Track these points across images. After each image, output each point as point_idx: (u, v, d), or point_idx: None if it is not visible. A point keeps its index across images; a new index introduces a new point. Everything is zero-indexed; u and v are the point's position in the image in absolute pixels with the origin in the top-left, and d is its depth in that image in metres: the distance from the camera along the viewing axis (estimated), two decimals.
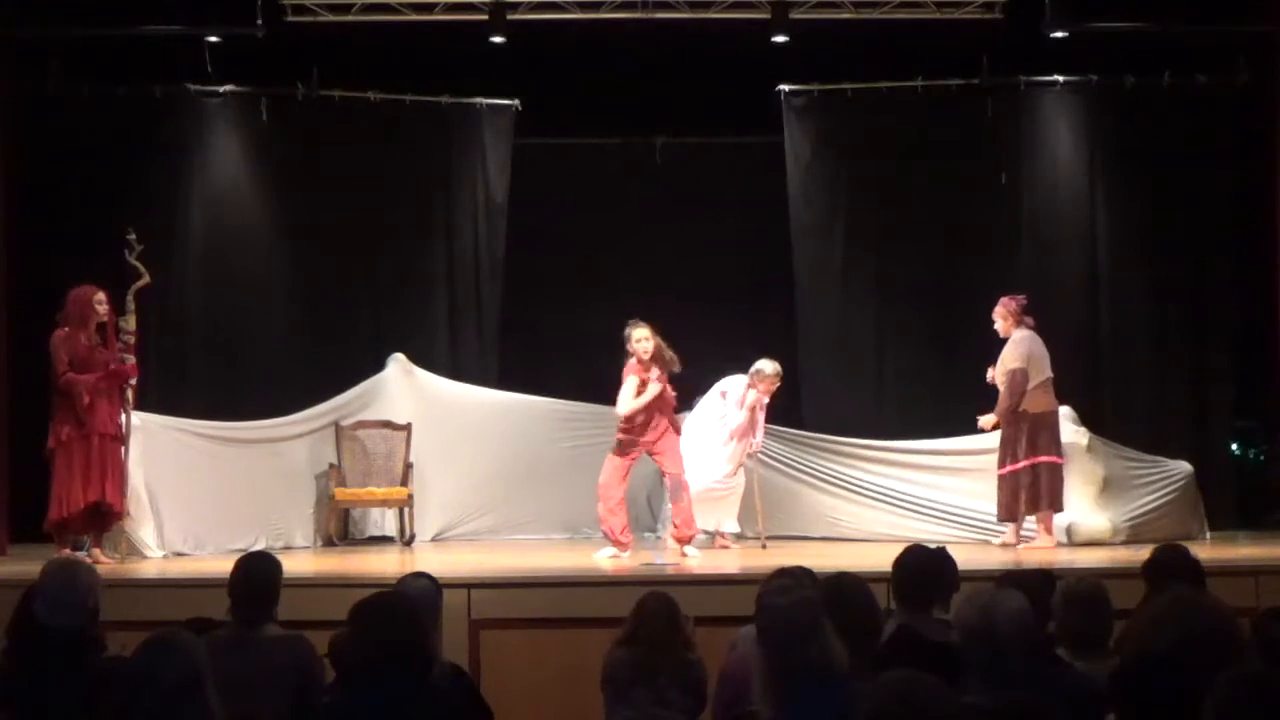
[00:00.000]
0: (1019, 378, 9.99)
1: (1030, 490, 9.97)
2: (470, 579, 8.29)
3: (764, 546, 10.19)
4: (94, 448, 9.22)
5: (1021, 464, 9.98)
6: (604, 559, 9.58)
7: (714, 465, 10.35)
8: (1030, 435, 10.00)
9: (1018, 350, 10.06)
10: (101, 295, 9.35)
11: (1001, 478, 10.08)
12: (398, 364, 11.31)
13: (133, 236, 9.37)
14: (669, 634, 5.65)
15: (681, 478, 9.72)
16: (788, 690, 4.14)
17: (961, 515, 10.57)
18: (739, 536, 10.55)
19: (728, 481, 10.41)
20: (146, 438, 9.75)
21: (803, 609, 4.25)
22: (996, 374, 10.10)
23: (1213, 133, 11.70)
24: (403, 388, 11.27)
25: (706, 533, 10.32)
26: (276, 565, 5.48)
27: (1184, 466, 10.71)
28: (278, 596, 5.36)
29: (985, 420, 10.04)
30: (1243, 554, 9.97)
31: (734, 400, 10.40)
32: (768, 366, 10.32)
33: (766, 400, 10.41)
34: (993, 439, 10.49)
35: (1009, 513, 10.06)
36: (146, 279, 9.42)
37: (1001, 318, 10.20)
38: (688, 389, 10.47)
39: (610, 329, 10.51)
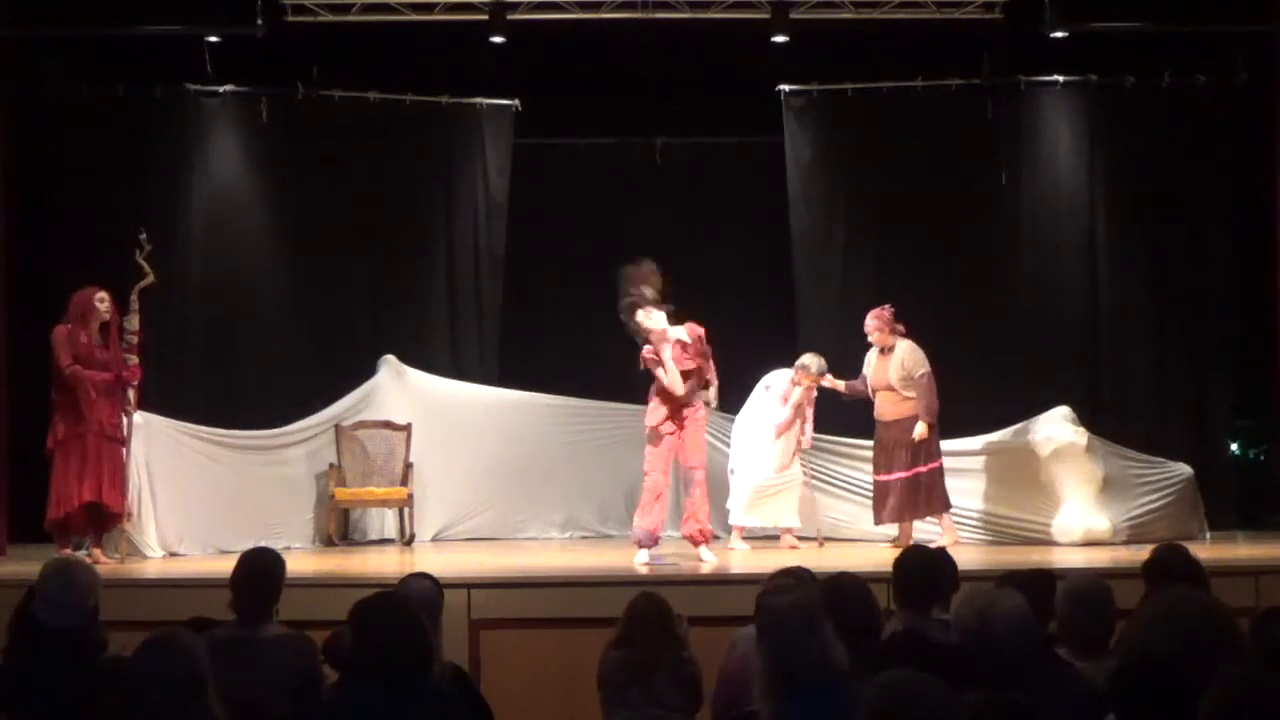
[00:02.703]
0: (931, 380, 10.10)
1: (926, 493, 10.09)
2: (470, 579, 8.29)
3: (820, 545, 10.25)
4: (90, 447, 9.22)
5: (914, 470, 10.08)
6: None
7: (763, 461, 10.38)
8: (914, 442, 10.08)
9: (916, 355, 10.17)
10: (103, 295, 9.35)
11: (889, 483, 10.14)
12: (389, 366, 11.31)
13: (143, 236, 9.38)
14: (661, 634, 5.65)
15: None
16: (787, 690, 4.13)
17: (961, 515, 10.55)
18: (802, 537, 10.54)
19: (782, 475, 10.43)
20: (150, 437, 9.77)
21: (801, 609, 4.25)
22: (894, 381, 10.14)
23: (1213, 133, 11.69)
24: (397, 390, 11.27)
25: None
26: (279, 560, 5.50)
27: (1183, 468, 10.71)
28: (280, 592, 5.37)
29: (919, 431, 10.05)
30: (1243, 554, 9.97)
31: (777, 395, 10.41)
32: (813, 364, 10.38)
33: (815, 394, 10.43)
34: (992, 441, 10.51)
35: (896, 515, 10.17)
36: (151, 278, 9.41)
37: (879, 329, 10.25)
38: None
39: (609, 328, 10.49)
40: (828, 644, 4.19)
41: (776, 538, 10.45)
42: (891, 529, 10.40)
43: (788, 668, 4.15)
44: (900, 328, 10.26)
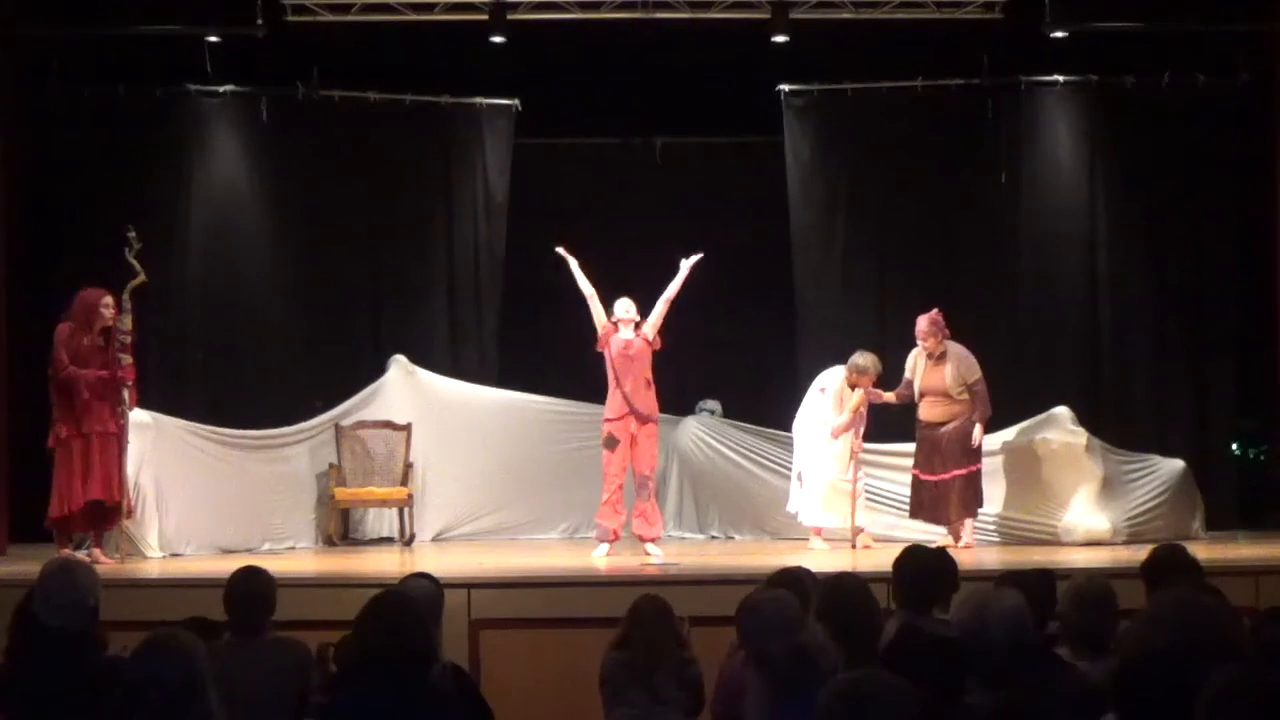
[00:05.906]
0: (984, 386, 10.10)
1: (973, 493, 10.10)
2: (470, 579, 8.30)
3: (854, 546, 10.19)
4: (93, 445, 9.23)
5: (968, 469, 10.06)
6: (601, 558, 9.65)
7: (832, 460, 10.34)
8: (968, 444, 10.08)
9: (969, 362, 10.15)
10: (109, 299, 9.33)
11: (946, 482, 10.10)
12: (399, 366, 11.31)
13: (132, 234, 9.36)
14: (663, 635, 5.67)
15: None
16: (776, 689, 4.13)
17: None
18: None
19: (848, 475, 10.39)
20: (156, 437, 9.78)
21: (776, 606, 4.25)
22: (949, 387, 10.09)
23: (1213, 133, 11.68)
24: (405, 390, 11.26)
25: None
26: (268, 578, 5.46)
27: (1176, 463, 10.71)
28: (273, 607, 5.37)
29: (977, 435, 10.06)
30: (1243, 554, 9.98)
31: (832, 395, 10.35)
32: (869, 364, 10.24)
33: (881, 394, 10.35)
34: (989, 441, 10.50)
35: (956, 514, 10.11)
36: (142, 278, 9.40)
37: (932, 334, 10.16)
38: (679, 391, 10.49)
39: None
40: (811, 641, 4.18)
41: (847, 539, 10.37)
42: (882, 528, 10.39)
43: (767, 663, 4.15)
44: (948, 331, 10.23)
